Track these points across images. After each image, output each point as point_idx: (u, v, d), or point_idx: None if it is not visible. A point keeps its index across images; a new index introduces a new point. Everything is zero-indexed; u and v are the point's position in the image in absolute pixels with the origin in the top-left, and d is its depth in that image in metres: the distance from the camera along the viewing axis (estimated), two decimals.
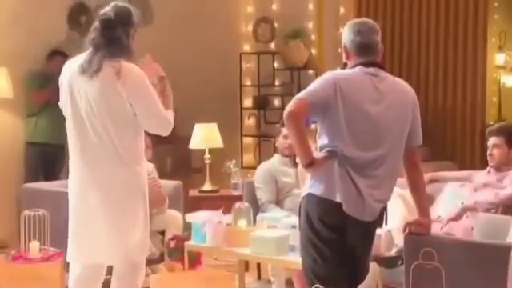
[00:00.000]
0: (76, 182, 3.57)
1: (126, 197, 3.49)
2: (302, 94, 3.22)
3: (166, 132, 3.58)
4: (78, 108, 3.49)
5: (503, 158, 4.58)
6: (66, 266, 4.20)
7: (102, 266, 3.71)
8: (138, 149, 3.53)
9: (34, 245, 4.16)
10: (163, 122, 3.51)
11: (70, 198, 3.63)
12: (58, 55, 6.60)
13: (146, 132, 3.62)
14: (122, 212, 3.49)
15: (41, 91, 6.47)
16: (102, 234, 3.51)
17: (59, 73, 6.63)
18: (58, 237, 4.40)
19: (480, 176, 4.71)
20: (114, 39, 3.42)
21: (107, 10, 3.50)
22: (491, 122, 7.02)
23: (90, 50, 3.47)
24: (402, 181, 3.46)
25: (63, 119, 6.72)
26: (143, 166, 3.59)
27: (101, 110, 3.41)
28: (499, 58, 7.31)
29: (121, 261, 3.57)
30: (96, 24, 3.49)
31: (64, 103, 3.59)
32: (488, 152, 4.66)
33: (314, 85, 3.25)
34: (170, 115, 3.55)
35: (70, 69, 3.54)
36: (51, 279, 4.10)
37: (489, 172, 4.67)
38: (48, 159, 6.56)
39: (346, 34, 3.35)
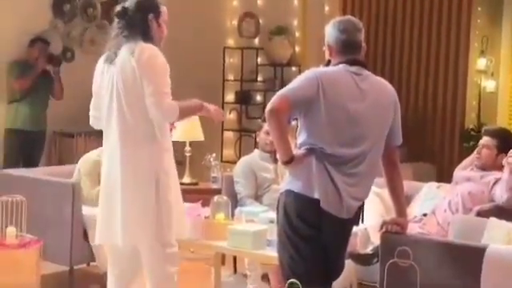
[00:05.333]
0: (104, 163, 3.65)
1: (138, 176, 3.50)
2: (284, 91, 3.21)
3: (162, 116, 3.51)
4: (104, 91, 3.59)
5: (490, 160, 4.56)
6: (42, 253, 4.20)
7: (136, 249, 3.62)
8: (152, 128, 3.51)
9: (11, 231, 4.14)
10: (159, 102, 3.46)
11: (101, 178, 3.68)
12: (40, 42, 6.58)
13: None
14: (136, 193, 3.50)
15: (22, 78, 6.45)
16: (119, 212, 3.50)
17: (39, 60, 6.68)
18: (35, 224, 4.40)
19: (462, 171, 4.71)
20: (131, 25, 3.54)
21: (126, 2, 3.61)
22: (470, 126, 7.09)
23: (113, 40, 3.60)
24: (380, 180, 3.48)
25: (44, 106, 6.71)
26: (161, 145, 3.55)
27: (119, 91, 3.50)
28: (481, 63, 7.35)
29: (147, 240, 3.53)
30: (114, 18, 3.62)
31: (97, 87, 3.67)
32: (476, 150, 4.65)
33: (297, 82, 3.25)
34: (172, 104, 3.52)
35: (102, 57, 3.66)
36: (27, 266, 4.09)
37: (472, 169, 4.67)
38: (28, 146, 6.53)
39: (331, 32, 3.34)
